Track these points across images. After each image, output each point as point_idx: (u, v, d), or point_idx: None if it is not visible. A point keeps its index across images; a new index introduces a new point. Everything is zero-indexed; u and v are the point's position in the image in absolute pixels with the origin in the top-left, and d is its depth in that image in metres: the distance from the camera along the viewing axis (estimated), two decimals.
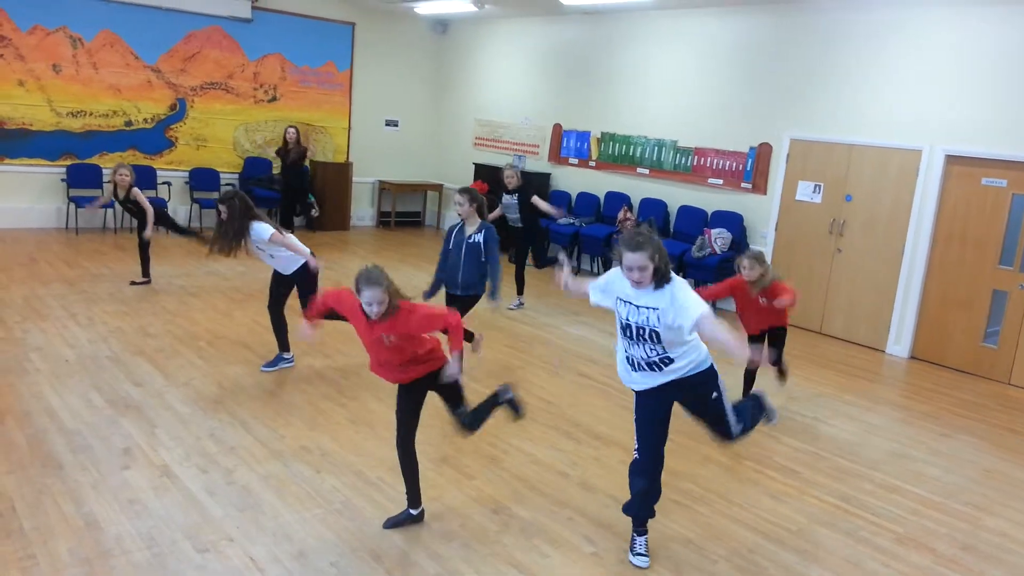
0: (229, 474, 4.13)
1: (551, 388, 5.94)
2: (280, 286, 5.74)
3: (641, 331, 3.41)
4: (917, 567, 3.85)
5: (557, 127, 11.19)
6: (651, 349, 3.44)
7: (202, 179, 11.01)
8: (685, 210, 9.47)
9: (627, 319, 3.45)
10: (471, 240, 5.66)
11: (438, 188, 13.05)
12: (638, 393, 3.62)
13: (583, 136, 10.82)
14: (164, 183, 10.69)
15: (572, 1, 9.59)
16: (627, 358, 3.55)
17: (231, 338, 6.39)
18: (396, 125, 12.84)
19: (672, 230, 9.57)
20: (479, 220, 5.72)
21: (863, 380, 6.89)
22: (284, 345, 5.83)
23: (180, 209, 10.96)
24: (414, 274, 9.47)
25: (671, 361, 3.46)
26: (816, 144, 8.30)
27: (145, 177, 10.53)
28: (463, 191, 5.73)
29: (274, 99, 11.55)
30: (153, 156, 10.73)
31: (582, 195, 10.71)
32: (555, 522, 3.96)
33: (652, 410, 3.58)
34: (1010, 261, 7.06)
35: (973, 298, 7.30)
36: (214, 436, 4.57)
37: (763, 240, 8.78)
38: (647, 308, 3.38)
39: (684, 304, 3.33)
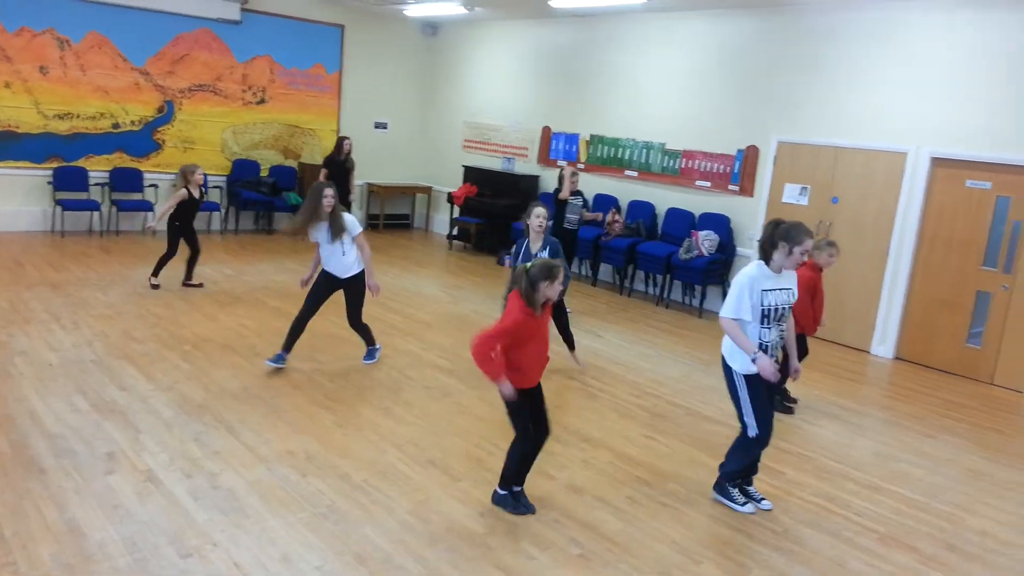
0: (214, 478, 4.12)
1: None
2: (321, 293, 5.89)
3: (778, 311, 4.09)
4: (901, 566, 3.87)
5: (546, 129, 11.21)
6: (780, 329, 4.15)
7: None
8: (673, 212, 9.50)
9: (770, 304, 4.08)
10: (538, 257, 5.81)
11: (427, 191, 13.05)
12: (749, 377, 4.10)
13: (572, 138, 10.84)
14: (151, 186, 10.65)
15: (561, 4, 9.61)
16: (762, 345, 4.09)
17: (217, 342, 6.37)
18: (385, 127, 12.84)
19: (660, 232, 9.59)
20: (543, 235, 5.97)
21: (848, 381, 6.93)
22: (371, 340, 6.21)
23: None
24: (404, 276, 9.46)
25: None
26: (803, 146, 8.34)
27: (132, 180, 10.52)
28: (543, 205, 6.02)
29: (263, 101, 11.53)
30: (140, 159, 10.69)
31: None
32: (542, 524, 3.96)
33: (764, 388, 4.12)
34: (994, 262, 7.12)
35: (957, 299, 7.35)
36: (199, 440, 4.55)
37: (750, 243, 8.81)
38: (784, 289, 4.12)
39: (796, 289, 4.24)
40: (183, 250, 7.87)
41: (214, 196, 11.16)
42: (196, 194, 7.79)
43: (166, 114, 10.80)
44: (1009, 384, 7.03)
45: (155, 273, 7.82)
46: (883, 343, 7.82)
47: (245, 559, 3.43)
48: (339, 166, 10.67)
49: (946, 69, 7.26)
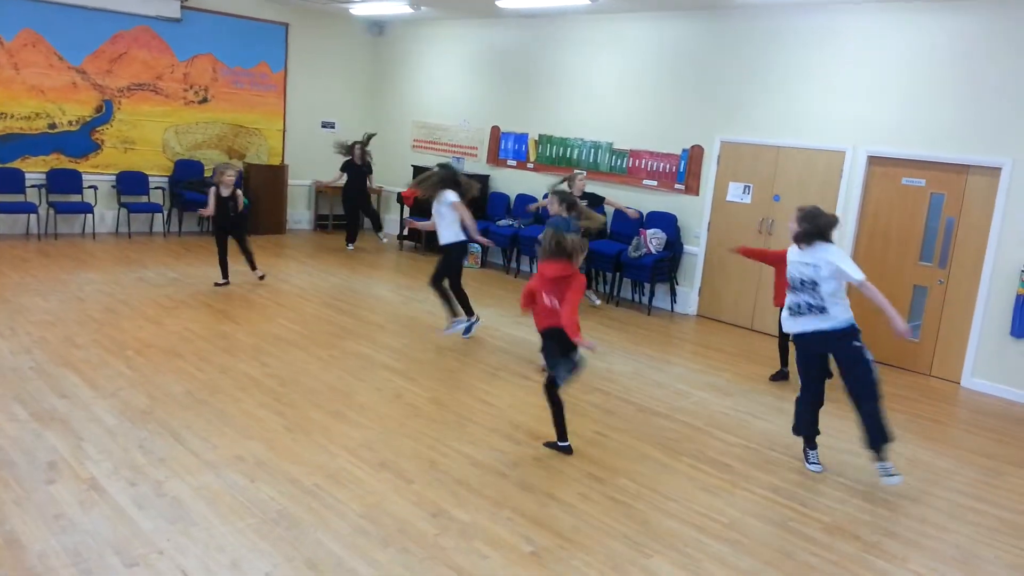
0: (159, 486, 4.03)
1: (490, 389, 5.96)
2: (447, 266, 7.04)
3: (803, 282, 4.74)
4: (844, 555, 3.99)
5: (495, 129, 11.22)
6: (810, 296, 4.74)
7: (130, 183, 10.70)
8: (621, 211, 9.59)
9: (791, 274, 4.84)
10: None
11: (377, 191, 12.94)
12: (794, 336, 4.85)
13: (521, 138, 10.88)
14: (90, 187, 10.37)
15: (508, 4, 9.64)
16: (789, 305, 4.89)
17: (161, 347, 6.23)
18: (333, 127, 12.70)
19: (609, 231, 9.69)
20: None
21: (793, 375, 7.07)
22: (456, 312, 7.07)
23: (107, 214, 10.65)
24: (354, 278, 9.39)
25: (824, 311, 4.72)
26: (745, 146, 8.51)
27: (70, 181, 10.23)
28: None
29: (205, 100, 11.31)
30: (78, 160, 10.39)
31: (520, 196, 10.76)
32: (494, 523, 3.98)
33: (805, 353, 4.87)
34: (929, 257, 7.37)
35: (895, 293, 7.55)
36: (143, 448, 4.46)
37: (696, 240, 8.97)
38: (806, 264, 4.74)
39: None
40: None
41: (156, 197, 10.93)
42: (224, 193, 8.10)
43: (105, 114, 10.53)
44: (946, 375, 7.29)
45: (253, 267, 8.55)
46: None
47: (192, 567, 3.37)
48: (356, 169, 11.13)
49: (882, 71, 7.49)
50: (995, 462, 5.44)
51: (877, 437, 4.70)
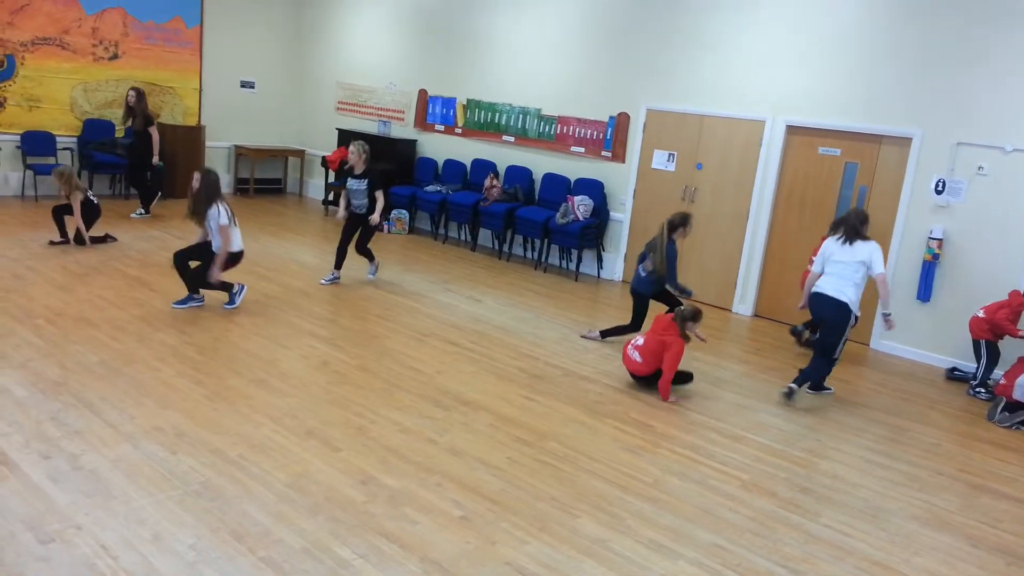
0: (75, 459, 3.89)
1: (418, 356, 5.94)
2: (201, 253, 6.42)
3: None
4: (761, 511, 4.16)
5: (423, 93, 11.05)
6: None
7: (36, 143, 10.14)
8: (549, 177, 9.62)
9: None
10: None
11: (300, 154, 12.62)
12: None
13: (449, 103, 10.74)
14: None
15: None
16: None
17: (72, 315, 5.97)
18: (252, 87, 12.28)
19: (537, 197, 9.71)
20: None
21: (712, 337, 7.28)
22: (193, 288, 6.45)
23: (12, 176, 10.09)
24: (278, 244, 9.17)
25: None
26: (670, 114, 8.62)
27: None
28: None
29: (116, 56, 10.77)
30: None
31: (449, 162, 10.67)
32: (424, 488, 3.99)
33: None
34: None
35: (809, 259, 7.83)
36: (56, 420, 4.29)
37: (622, 207, 9.08)
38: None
39: None
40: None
41: (64, 158, 10.39)
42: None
43: (6, 69, 9.91)
44: (857, 338, 7.59)
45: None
46: (743, 302, 8.28)
47: (112, 540, 3.28)
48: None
49: (801, 41, 7.66)
50: (900, 419, 5.74)
51: (805, 379, 5.86)
